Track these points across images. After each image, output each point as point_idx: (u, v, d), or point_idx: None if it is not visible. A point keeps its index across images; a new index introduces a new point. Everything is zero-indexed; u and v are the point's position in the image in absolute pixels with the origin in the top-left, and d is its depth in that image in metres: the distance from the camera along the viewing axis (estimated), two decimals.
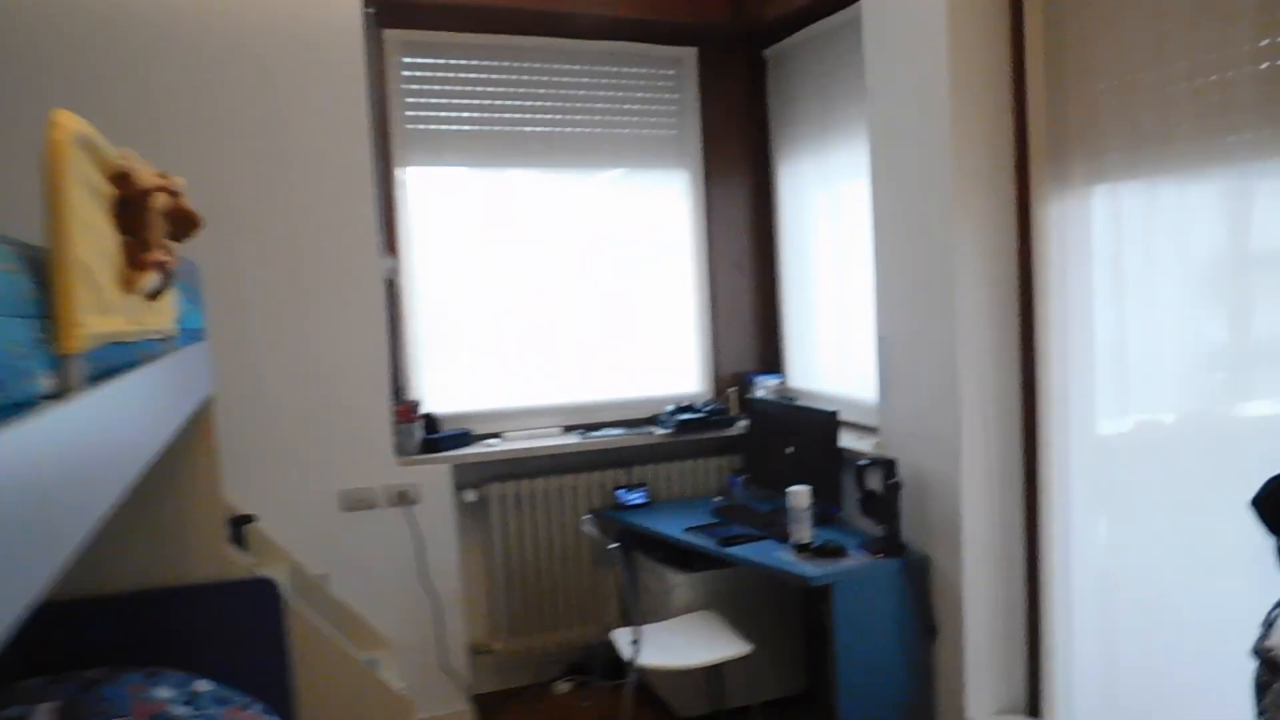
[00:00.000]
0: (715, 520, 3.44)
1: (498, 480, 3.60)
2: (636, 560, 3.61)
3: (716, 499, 3.73)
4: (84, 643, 1.84)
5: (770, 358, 4.23)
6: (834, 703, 2.75)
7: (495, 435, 3.67)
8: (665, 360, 4.01)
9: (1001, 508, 2.75)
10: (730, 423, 3.87)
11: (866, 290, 3.41)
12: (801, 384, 4.06)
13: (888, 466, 2.87)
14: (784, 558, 2.90)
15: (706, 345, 4.11)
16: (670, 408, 3.84)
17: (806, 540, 2.98)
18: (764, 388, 3.95)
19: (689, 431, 3.76)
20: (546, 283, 3.79)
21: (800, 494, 2.99)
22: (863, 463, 2.97)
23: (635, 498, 3.69)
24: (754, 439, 3.75)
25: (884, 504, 2.90)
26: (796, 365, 4.11)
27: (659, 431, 3.78)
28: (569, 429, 3.82)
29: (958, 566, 2.72)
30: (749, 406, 3.83)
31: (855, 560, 2.84)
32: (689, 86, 3.94)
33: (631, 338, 3.94)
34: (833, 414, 3.26)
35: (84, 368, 0.88)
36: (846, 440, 3.30)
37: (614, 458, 3.79)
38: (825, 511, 3.25)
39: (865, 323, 3.45)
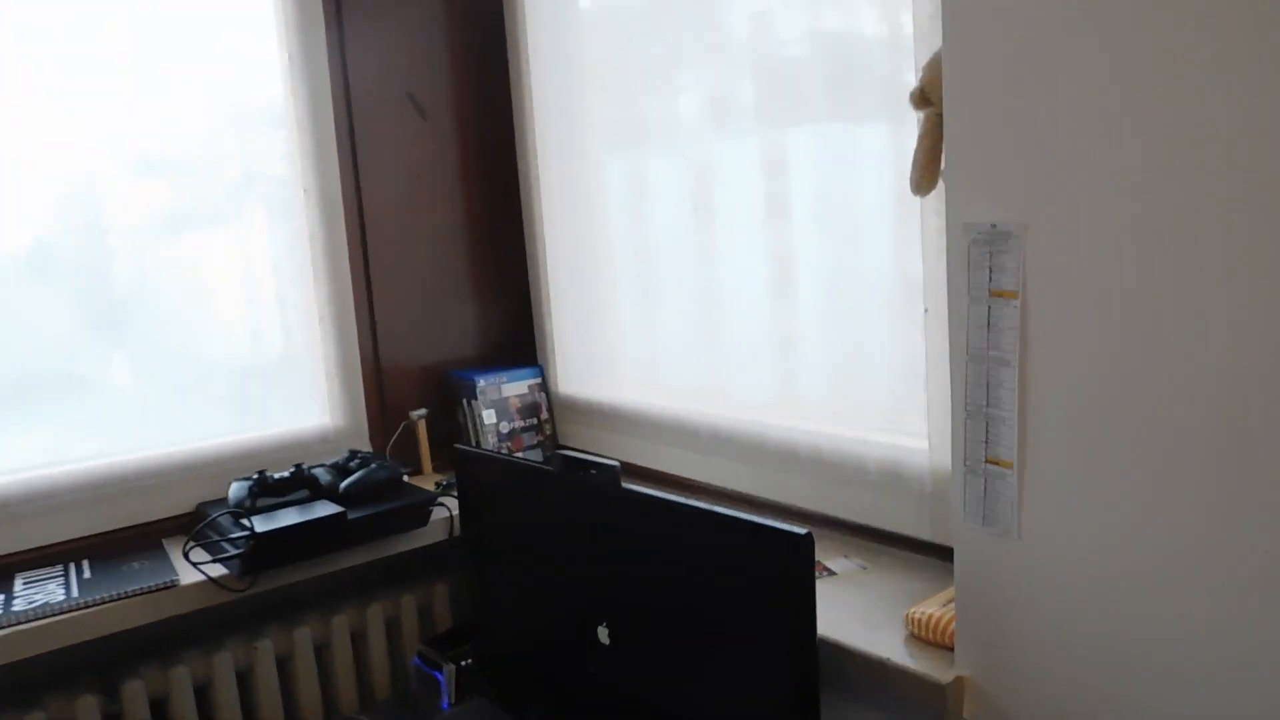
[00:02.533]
0: None
1: None
2: None
3: None
4: None
5: (514, 338, 2.42)
6: None
7: None
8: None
9: None
10: (417, 514, 1.94)
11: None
12: (590, 390, 2.29)
13: None
14: None
15: (339, 313, 2.17)
16: (240, 488, 1.89)
17: None
18: (493, 404, 2.24)
19: (275, 558, 1.77)
20: None
21: None
22: None
23: None
24: (480, 554, 1.83)
25: None
26: (572, 349, 2.36)
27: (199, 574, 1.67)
28: None
29: None
30: (463, 462, 1.80)
31: None
32: None
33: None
34: (805, 536, 1.09)
35: None
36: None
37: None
38: None
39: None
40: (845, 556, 1.61)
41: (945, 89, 1.10)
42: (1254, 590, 0.90)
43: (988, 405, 1.10)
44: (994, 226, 1.05)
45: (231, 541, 1.71)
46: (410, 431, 2.20)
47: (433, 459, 2.23)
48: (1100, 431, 0.99)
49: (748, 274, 1.85)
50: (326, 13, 2.09)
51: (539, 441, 2.29)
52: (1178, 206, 0.90)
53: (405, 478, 2.08)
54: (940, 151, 1.30)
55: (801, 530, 1.18)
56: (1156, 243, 0.92)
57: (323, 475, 1.93)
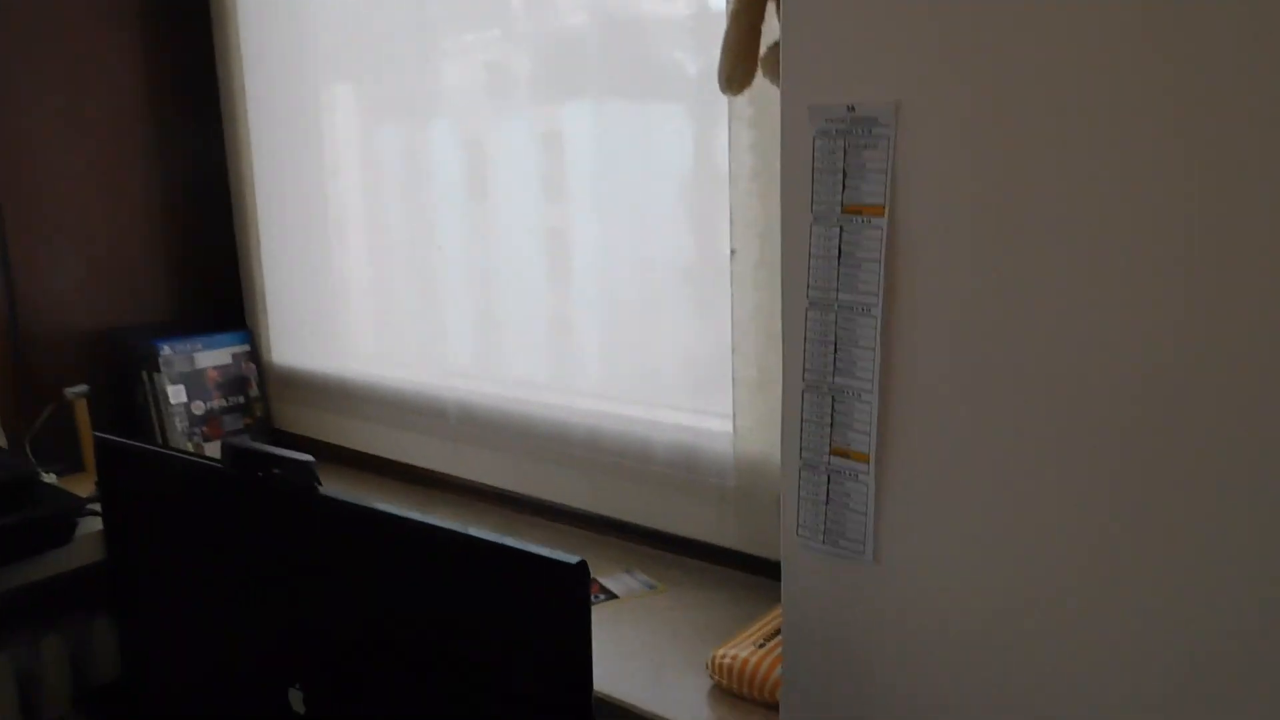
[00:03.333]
0: None
1: None
2: None
3: None
4: None
5: (215, 297, 1.92)
6: None
7: None
8: None
9: None
10: (56, 528, 1.45)
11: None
12: (312, 360, 1.79)
13: None
14: None
15: None
16: None
17: None
18: (182, 377, 1.75)
19: None
20: None
21: None
22: None
23: None
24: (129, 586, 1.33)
25: None
26: (290, 310, 1.85)
27: None
28: None
29: None
30: (104, 456, 1.32)
31: None
32: None
33: None
34: (577, 565, 0.79)
35: None
36: None
37: None
38: None
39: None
40: (628, 572, 1.26)
41: None
42: (1177, 653, 0.62)
43: (835, 373, 0.77)
44: (852, 109, 0.71)
45: None
46: (66, 415, 1.66)
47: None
48: (995, 412, 0.69)
49: (516, 246, 1.46)
50: None
51: (245, 425, 1.80)
52: (1109, 98, 0.60)
53: (55, 478, 1.56)
54: (759, 32, 0.97)
55: (571, 559, 0.80)
56: (1078, 142, 0.62)
57: None
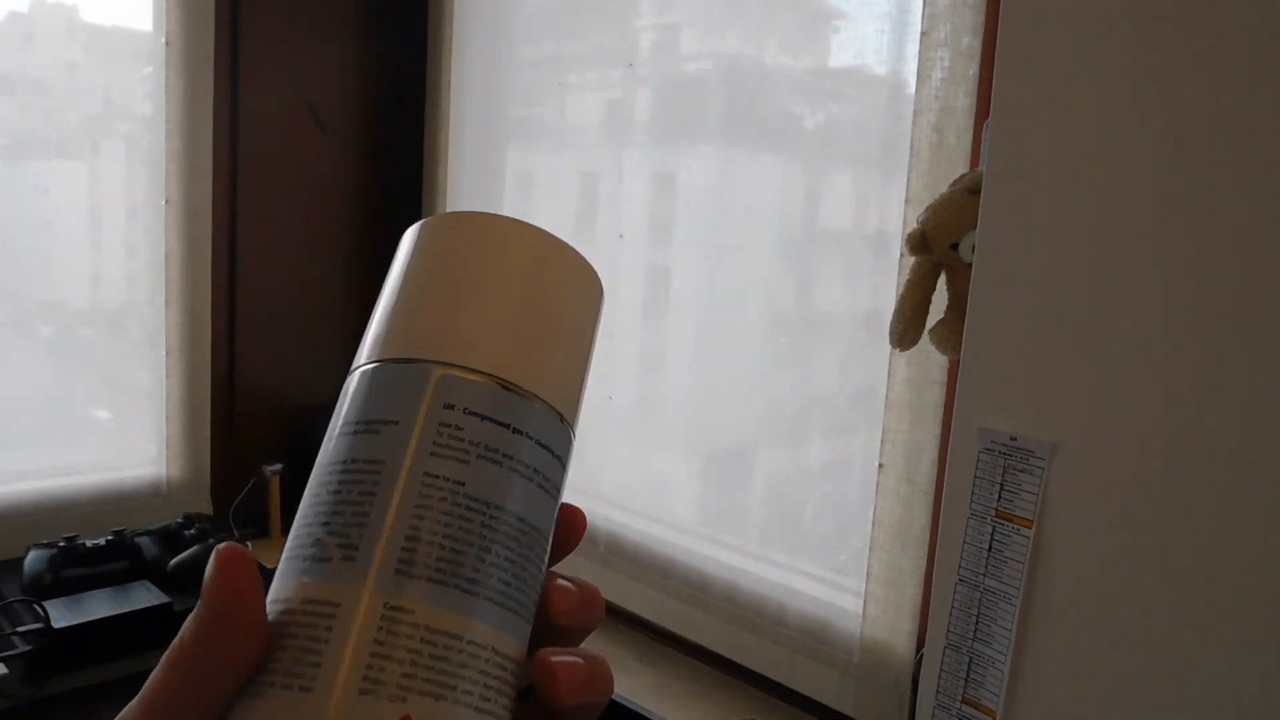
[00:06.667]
0: None
1: None
2: None
3: None
4: None
5: None
6: None
7: None
8: None
9: None
10: None
11: None
12: None
13: None
14: None
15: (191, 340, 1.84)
16: (39, 558, 1.56)
17: None
18: None
19: (74, 658, 1.46)
20: None
21: None
22: None
23: None
24: None
25: None
26: None
27: None
28: None
29: None
30: None
31: None
32: None
33: None
34: None
35: None
36: None
37: None
38: None
39: None
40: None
41: (979, 253, 0.91)
42: None
43: (974, 640, 0.92)
44: (1014, 440, 0.87)
45: (20, 635, 1.39)
46: (260, 490, 1.90)
47: (284, 525, 1.94)
48: (1113, 701, 0.83)
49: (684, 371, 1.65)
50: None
51: None
52: (1236, 446, 0.74)
53: (249, 546, 1.79)
54: (930, 300, 1.13)
55: None
56: (1210, 485, 0.76)
57: (148, 546, 1.62)
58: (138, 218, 1.77)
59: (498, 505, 0.26)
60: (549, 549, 0.29)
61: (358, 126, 2.01)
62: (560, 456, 0.28)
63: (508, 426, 0.27)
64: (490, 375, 0.27)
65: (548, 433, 0.28)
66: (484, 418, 0.26)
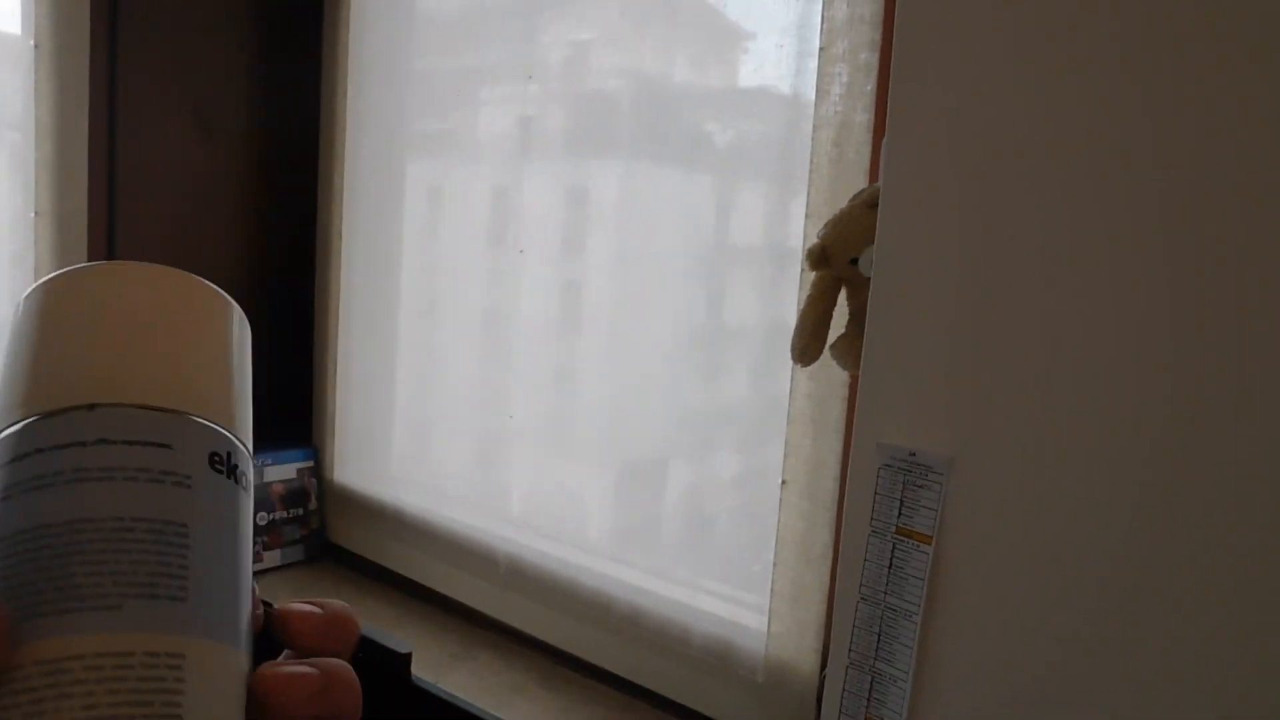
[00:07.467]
0: None
1: None
2: None
3: None
4: None
5: (286, 411, 2.02)
6: None
7: None
8: None
9: None
10: None
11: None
12: (368, 484, 1.90)
13: None
14: None
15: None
16: None
17: None
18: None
19: None
20: None
21: None
22: None
23: None
24: None
25: None
26: (353, 429, 1.97)
27: None
28: None
29: None
30: None
31: None
32: None
33: None
34: None
35: None
36: None
37: None
38: None
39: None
40: None
41: (876, 268, 0.91)
42: None
43: (877, 658, 0.91)
44: (913, 455, 0.87)
45: None
46: None
47: None
48: (1012, 719, 0.83)
49: (593, 395, 1.62)
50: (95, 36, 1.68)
51: (302, 536, 1.94)
52: (1130, 459, 0.75)
53: None
54: (830, 316, 1.12)
55: None
56: (1105, 498, 0.77)
57: None
58: (5, 230, 1.66)
59: (66, 521, 0.25)
60: (221, 531, 0.27)
61: (246, 133, 1.93)
62: (164, 444, 0.27)
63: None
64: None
65: (128, 429, 0.27)
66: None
